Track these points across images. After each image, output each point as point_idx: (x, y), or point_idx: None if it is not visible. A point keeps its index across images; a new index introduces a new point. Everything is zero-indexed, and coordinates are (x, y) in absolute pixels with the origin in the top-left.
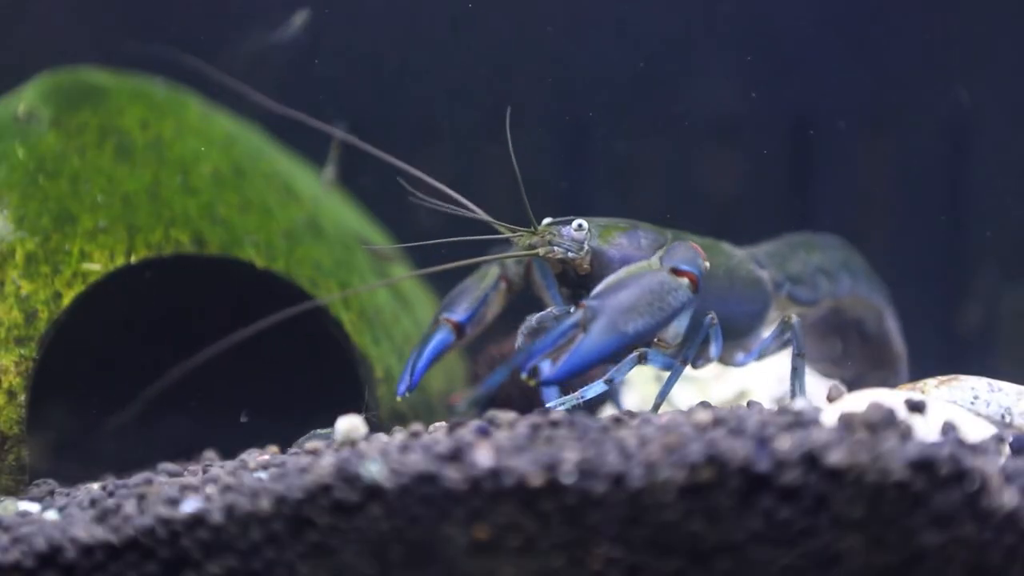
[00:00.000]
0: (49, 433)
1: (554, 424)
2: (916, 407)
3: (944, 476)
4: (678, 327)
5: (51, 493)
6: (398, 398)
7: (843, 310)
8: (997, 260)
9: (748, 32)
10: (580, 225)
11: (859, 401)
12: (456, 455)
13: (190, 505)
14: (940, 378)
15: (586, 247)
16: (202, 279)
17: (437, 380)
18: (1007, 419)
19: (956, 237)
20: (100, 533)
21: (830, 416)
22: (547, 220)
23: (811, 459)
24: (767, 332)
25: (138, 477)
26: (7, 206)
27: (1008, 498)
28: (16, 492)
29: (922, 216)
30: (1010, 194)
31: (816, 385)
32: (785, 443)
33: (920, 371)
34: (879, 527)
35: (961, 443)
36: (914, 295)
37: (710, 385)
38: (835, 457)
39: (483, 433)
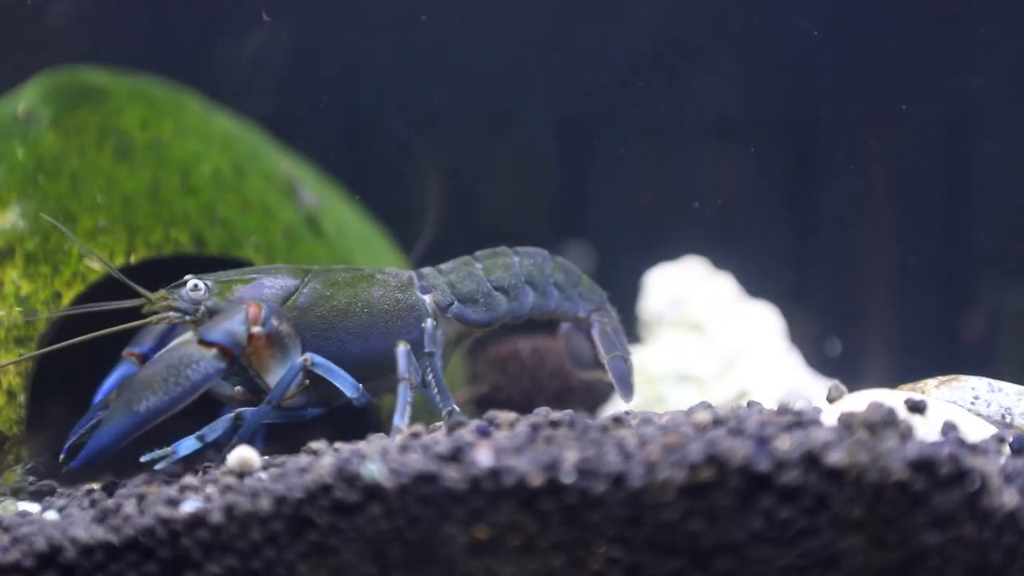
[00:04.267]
0: (49, 433)
1: (554, 424)
2: (916, 407)
3: (944, 476)
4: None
5: (51, 493)
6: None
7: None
8: (997, 260)
9: (747, 32)
10: (196, 285)
11: (859, 401)
12: (456, 455)
13: (190, 505)
14: (940, 378)
15: (203, 307)
16: None
17: None
18: (1007, 419)
19: (957, 237)
20: (100, 533)
21: (830, 416)
22: (189, 278)
23: (811, 459)
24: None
25: (138, 477)
26: (7, 205)
27: (1008, 498)
28: (15, 490)
29: (923, 216)
30: (1011, 194)
31: (815, 385)
32: (785, 443)
33: (920, 371)
34: (879, 527)
35: (961, 443)
36: (915, 295)
37: (710, 385)
38: (835, 457)
39: (483, 433)
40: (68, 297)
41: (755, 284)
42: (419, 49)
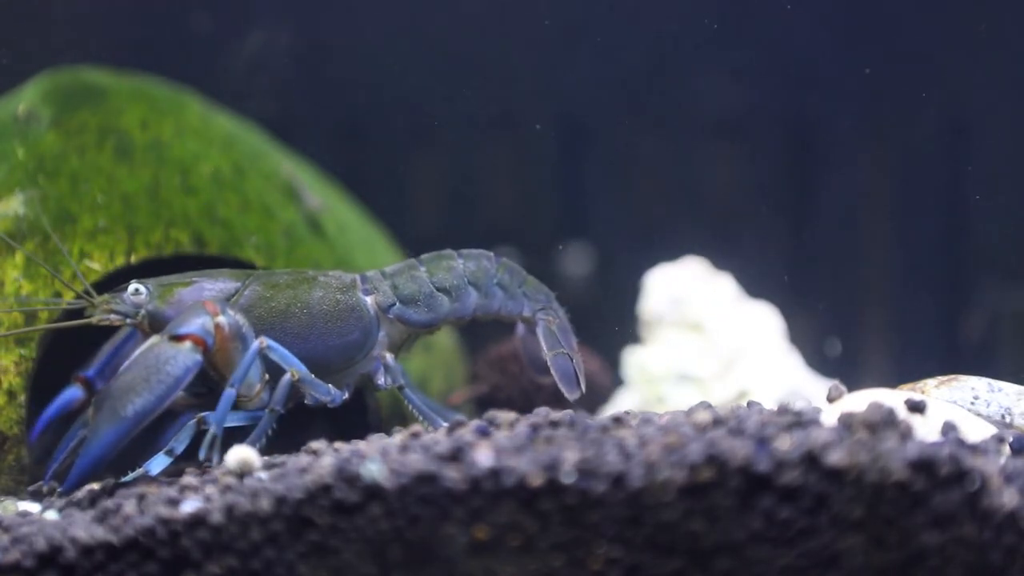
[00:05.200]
0: (49, 433)
1: (554, 424)
2: (916, 407)
3: (944, 476)
4: (252, 377)
5: (51, 493)
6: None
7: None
8: (998, 260)
9: (748, 32)
10: (136, 290)
11: (859, 401)
12: (456, 455)
13: (190, 505)
14: (940, 378)
15: (143, 311)
16: None
17: (437, 380)
18: (1007, 419)
19: (956, 238)
20: (100, 533)
21: (830, 416)
22: (132, 282)
23: (811, 459)
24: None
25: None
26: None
27: (1008, 498)
28: (16, 492)
29: (923, 216)
30: (1010, 194)
31: (815, 385)
32: (785, 443)
33: (920, 371)
34: (879, 527)
35: (961, 443)
36: (915, 295)
37: (710, 385)
38: (835, 457)
39: (483, 433)
40: (68, 297)
41: (755, 284)
42: (419, 48)
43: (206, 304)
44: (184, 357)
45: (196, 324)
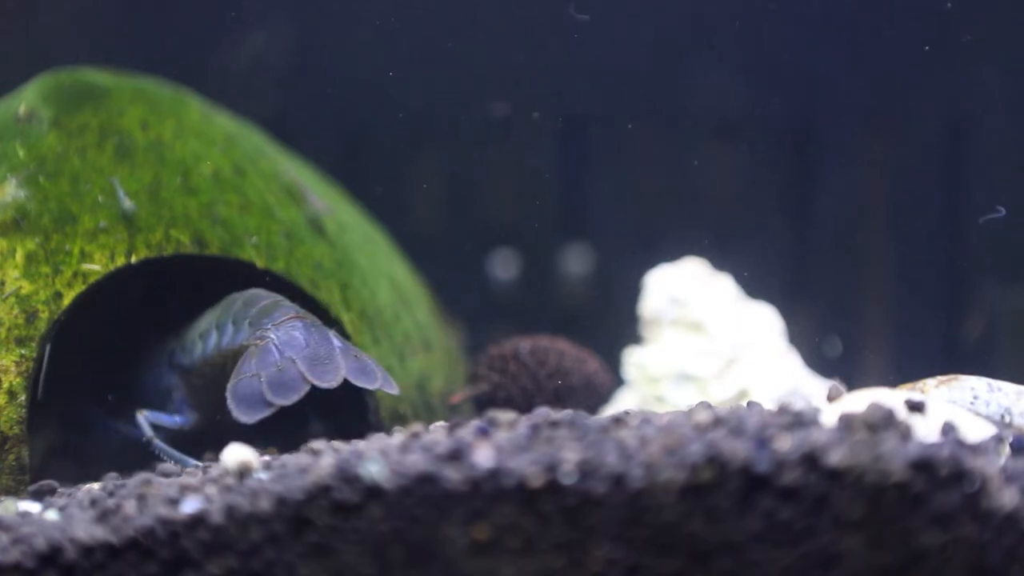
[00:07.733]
0: (50, 433)
1: (554, 424)
2: (916, 407)
3: (944, 476)
4: None
5: (52, 492)
6: None
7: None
8: (996, 260)
9: (747, 33)
10: None
11: (859, 401)
12: (456, 455)
13: (190, 505)
14: (940, 378)
15: None
16: (202, 279)
17: (438, 380)
18: (1007, 419)
19: (956, 237)
20: (100, 533)
21: (830, 416)
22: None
23: (811, 459)
24: None
25: (138, 477)
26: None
27: (1008, 498)
28: (16, 492)
29: (922, 216)
30: (1008, 194)
31: (815, 385)
32: (785, 443)
33: (920, 371)
34: (879, 527)
35: (961, 443)
36: (914, 295)
37: (710, 385)
38: (835, 457)
39: (483, 433)
40: (69, 297)
41: (755, 285)
42: (419, 48)
43: None
44: None
45: None
